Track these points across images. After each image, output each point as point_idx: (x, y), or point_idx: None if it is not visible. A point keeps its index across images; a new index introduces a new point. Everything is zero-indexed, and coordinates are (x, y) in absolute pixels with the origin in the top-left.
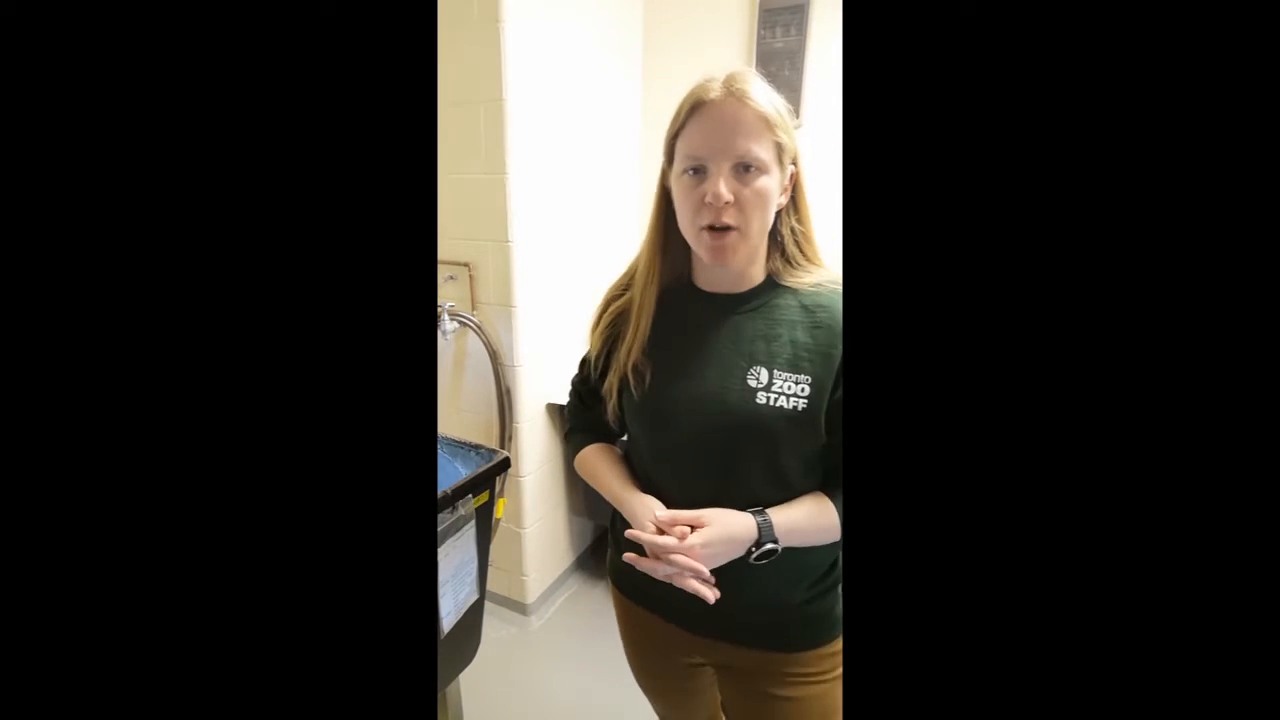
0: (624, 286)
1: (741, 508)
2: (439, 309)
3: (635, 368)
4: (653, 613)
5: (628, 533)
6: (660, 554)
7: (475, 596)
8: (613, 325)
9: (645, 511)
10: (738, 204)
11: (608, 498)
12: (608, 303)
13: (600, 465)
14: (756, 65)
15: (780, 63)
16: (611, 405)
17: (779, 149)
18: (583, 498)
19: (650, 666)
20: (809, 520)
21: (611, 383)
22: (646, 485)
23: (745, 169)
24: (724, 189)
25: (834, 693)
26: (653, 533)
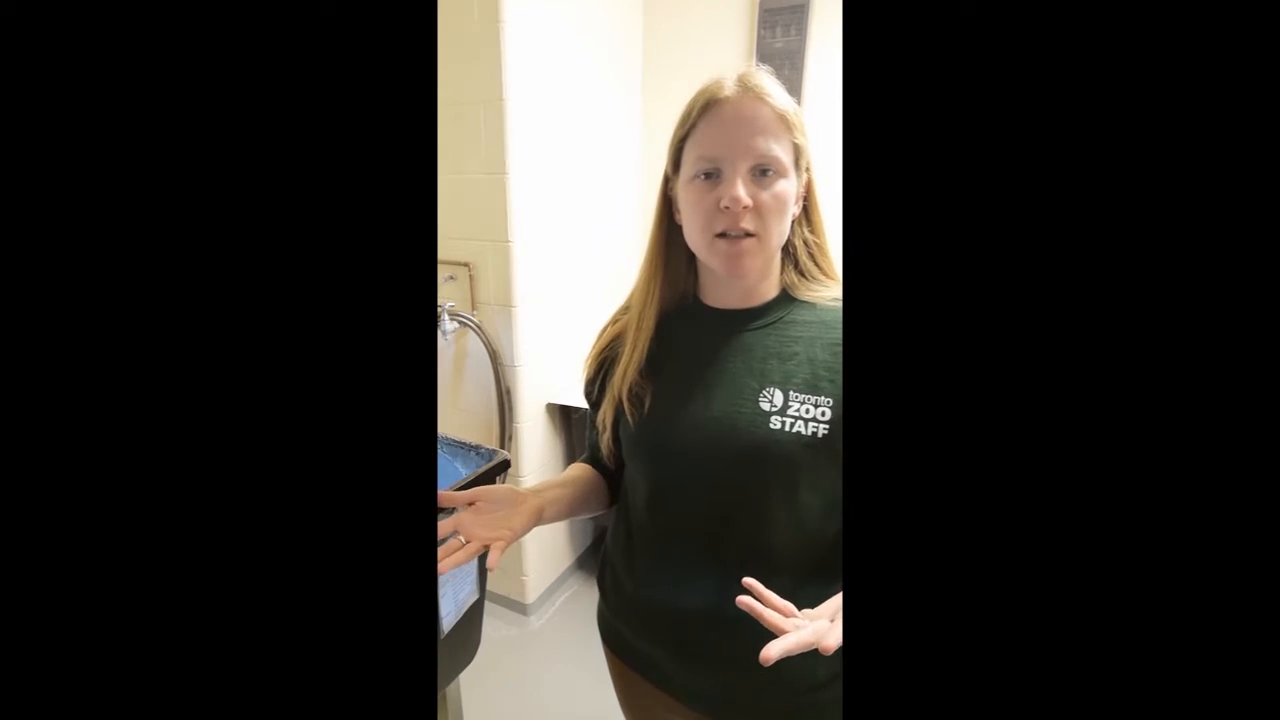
0: (624, 311)
1: (752, 555)
2: (439, 309)
3: (632, 392)
4: (644, 677)
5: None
6: None
7: (475, 596)
8: (609, 348)
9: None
10: (756, 209)
11: None
12: (606, 326)
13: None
14: (756, 65)
15: (780, 63)
16: (606, 439)
17: (796, 152)
18: None
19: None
20: None
21: (605, 414)
22: (643, 530)
23: (764, 172)
24: (742, 192)
25: None
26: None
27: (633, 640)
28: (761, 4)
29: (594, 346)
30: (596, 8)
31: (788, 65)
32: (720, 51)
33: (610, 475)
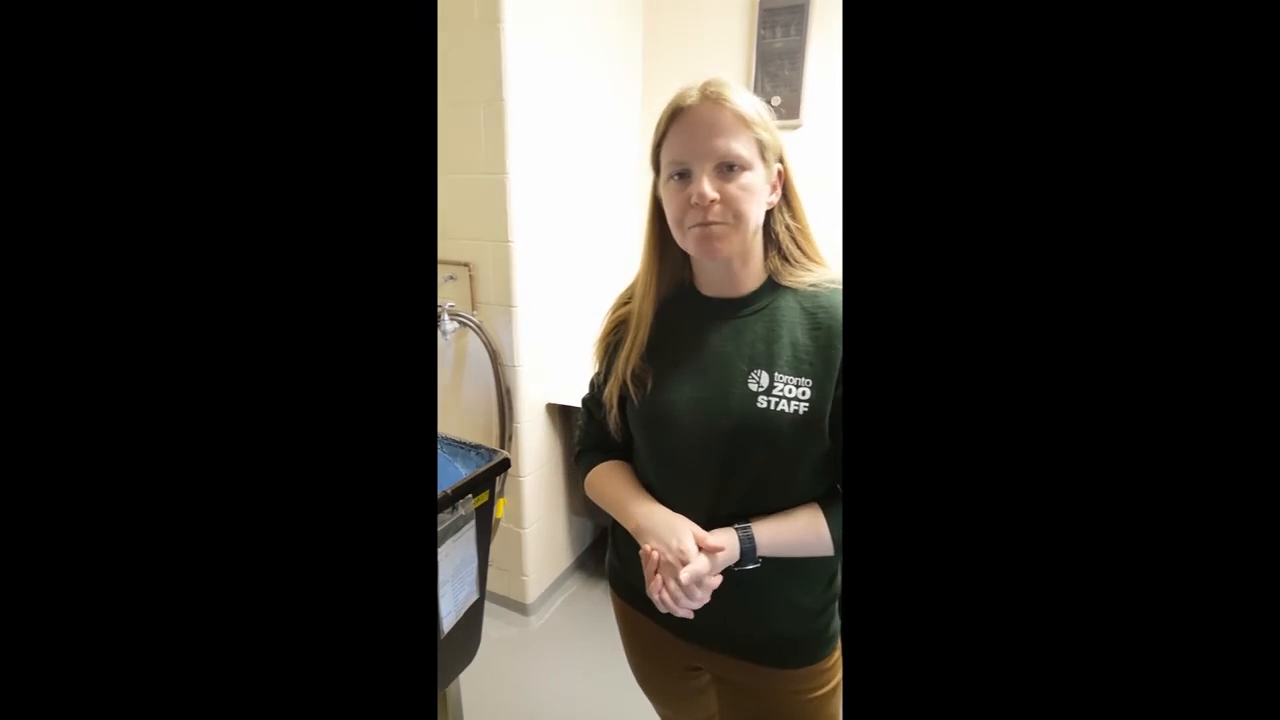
0: (627, 298)
1: (745, 515)
2: (439, 309)
3: (635, 374)
4: (650, 618)
5: (688, 572)
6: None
7: (475, 596)
8: (614, 334)
9: (683, 531)
10: (723, 201)
11: (623, 517)
12: (612, 311)
13: (613, 483)
14: (756, 65)
15: (780, 63)
16: (613, 415)
17: (761, 146)
18: (583, 498)
19: (649, 668)
20: (796, 534)
21: (612, 391)
22: (650, 491)
23: (729, 168)
24: (708, 188)
25: (832, 703)
26: (689, 552)
27: (641, 585)
28: (761, 4)
29: (600, 333)
30: (596, 8)
31: (788, 65)
32: (720, 51)
33: (620, 449)
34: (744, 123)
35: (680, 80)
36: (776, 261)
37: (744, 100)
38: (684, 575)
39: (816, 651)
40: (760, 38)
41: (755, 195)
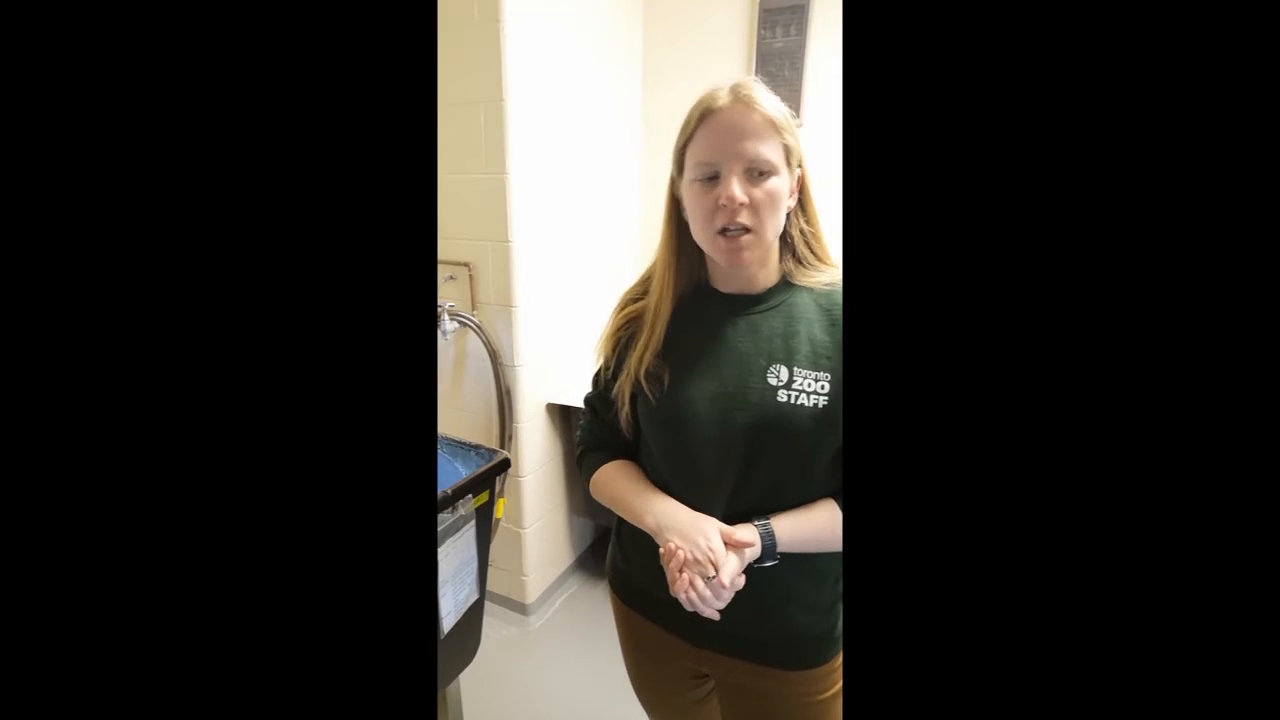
0: (638, 293)
1: (762, 511)
2: (439, 309)
3: (650, 372)
4: (653, 622)
5: (727, 574)
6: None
7: (475, 596)
8: (625, 328)
9: (710, 530)
10: (751, 206)
11: (638, 515)
12: (621, 308)
13: (624, 482)
14: (756, 65)
15: (780, 63)
16: (624, 412)
17: (786, 151)
18: (583, 498)
19: (649, 676)
20: (816, 530)
21: (623, 387)
22: (663, 489)
23: (757, 173)
24: (738, 191)
25: (838, 705)
26: (718, 551)
27: (648, 589)
28: (761, 4)
29: (607, 331)
30: (596, 7)
31: (788, 65)
32: (720, 52)
33: (626, 448)
34: (773, 127)
35: (680, 80)
36: (791, 263)
37: (773, 104)
38: (725, 578)
39: (825, 651)
40: (760, 38)
41: (780, 201)
